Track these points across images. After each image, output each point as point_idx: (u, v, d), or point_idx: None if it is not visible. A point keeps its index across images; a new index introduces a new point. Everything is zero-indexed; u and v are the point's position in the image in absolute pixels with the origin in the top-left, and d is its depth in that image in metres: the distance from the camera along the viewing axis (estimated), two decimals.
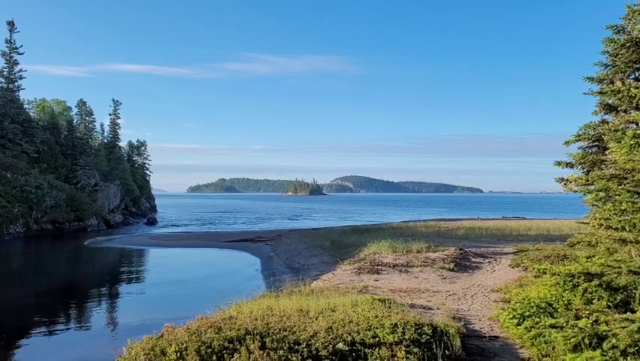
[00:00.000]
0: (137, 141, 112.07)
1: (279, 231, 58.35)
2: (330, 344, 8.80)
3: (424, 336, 9.71)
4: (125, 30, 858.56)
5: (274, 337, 8.80)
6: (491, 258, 27.12)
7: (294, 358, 8.03)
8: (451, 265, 23.13)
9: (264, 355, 7.87)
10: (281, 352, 8.18)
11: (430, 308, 14.74)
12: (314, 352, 8.48)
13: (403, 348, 8.96)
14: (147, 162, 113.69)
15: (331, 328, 9.74)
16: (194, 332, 8.86)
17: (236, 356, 7.87)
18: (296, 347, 8.57)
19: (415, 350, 9.01)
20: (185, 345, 8.10)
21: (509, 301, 14.39)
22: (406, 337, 9.49)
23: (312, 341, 8.91)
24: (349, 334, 9.43)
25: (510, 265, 23.82)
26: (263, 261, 34.90)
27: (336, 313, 11.22)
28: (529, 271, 18.58)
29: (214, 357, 7.89)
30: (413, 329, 9.87)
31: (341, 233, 45.74)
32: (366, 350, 8.83)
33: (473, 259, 26.53)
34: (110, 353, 9.73)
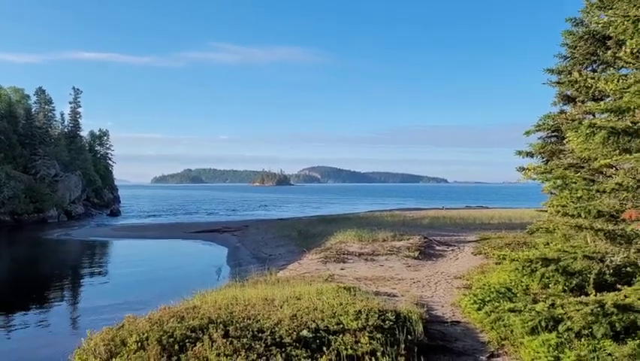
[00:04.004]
0: (99, 130, 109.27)
1: (246, 221, 58.02)
2: (295, 331, 8.83)
3: (387, 322, 9.85)
4: (82, 17, 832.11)
5: (238, 325, 8.77)
6: (455, 246, 27.65)
7: (258, 345, 8.02)
8: (416, 254, 23.50)
9: (227, 343, 7.83)
10: (244, 340, 8.16)
11: (394, 295, 14.95)
12: (278, 339, 8.49)
13: (367, 334, 9.05)
14: (110, 152, 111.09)
15: (296, 315, 9.77)
16: (156, 322, 8.75)
17: (198, 344, 7.81)
18: (260, 334, 8.57)
19: (378, 335, 9.12)
20: (146, 335, 7.99)
21: (471, 288, 14.73)
22: (370, 323, 9.60)
23: (277, 328, 8.92)
24: (314, 321, 9.48)
25: (472, 253, 24.34)
26: (230, 251, 34.68)
27: (301, 302, 11.26)
28: (491, 258, 19.04)
29: (176, 346, 7.81)
30: (377, 316, 10.00)
31: (308, 223, 45.83)
32: (330, 336, 8.89)
33: (437, 248, 27.02)
34: (69, 345, 9.50)
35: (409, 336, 9.50)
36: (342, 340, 8.74)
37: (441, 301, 14.35)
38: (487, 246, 24.31)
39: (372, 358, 8.26)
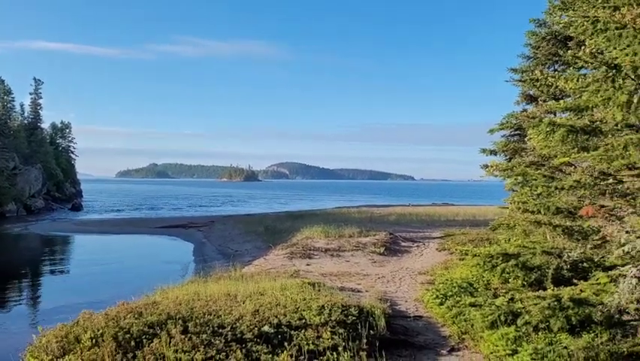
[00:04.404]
0: (61, 122, 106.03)
1: (213, 217, 57.32)
2: (256, 326, 8.73)
3: (350, 317, 9.85)
4: (45, 6, 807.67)
5: (198, 321, 8.61)
6: (420, 242, 27.95)
7: (217, 341, 7.89)
8: (382, 249, 23.65)
9: (186, 339, 7.68)
10: (204, 336, 8.02)
11: (359, 291, 15.00)
12: (239, 335, 8.38)
13: (329, 329, 9.03)
14: (72, 145, 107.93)
15: (258, 311, 9.67)
16: (113, 318, 8.50)
17: (156, 341, 7.62)
18: (220, 330, 8.43)
19: (341, 330, 9.11)
20: (101, 331, 7.75)
21: (434, 283, 14.89)
22: (333, 318, 9.58)
23: (238, 324, 8.81)
24: (276, 317, 9.40)
25: (437, 249, 24.65)
26: (195, 247, 34.20)
27: (264, 297, 11.16)
28: (454, 254, 19.32)
29: (132, 343, 7.60)
30: (340, 311, 9.99)
31: (275, 219, 45.61)
32: (292, 331, 8.83)
33: (403, 244, 27.26)
34: (23, 342, 9.16)
35: (371, 331, 9.52)
36: (304, 335, 8.69)
37: (405, 297, 14.45)
38: (452, 242, 24.67)
39: (334, 353, 8.24)
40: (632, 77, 8.61)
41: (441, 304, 11.97)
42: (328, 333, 8.84)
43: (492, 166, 15.41)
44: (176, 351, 7.44)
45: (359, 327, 9.47)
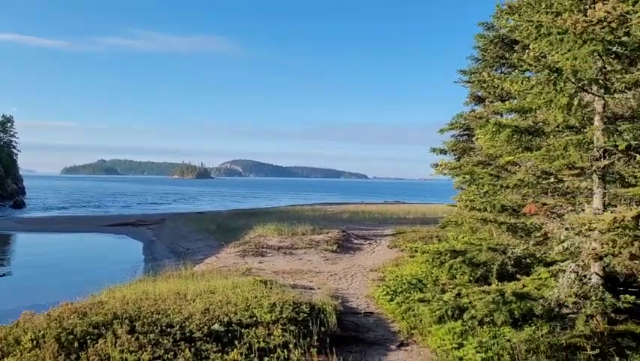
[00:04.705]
0: (2, 116, 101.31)
1: (164, 215, 56.19)
2: (206, 325, 8.61)
3: (301, 314, 9.87)
4: None
5: (145, 320, 8.41)
6: (372, 240, 28.31)
7: (166, 341, 7.73)
8: (334, 247, 23.80)
9: (133, 339, 7.48)
10: (151, 335, 7.84)
11: (311, 288, 15.05)
12: (188, 334, 8.24)
13: (280, 326, 9.02)
14: (14, 139, 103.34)
15: (208, 309, 9.54)
16: (56, 319, 8.19)
17: (101, 341, 7.39)
18: (168, 329, 8.27)
19: (292, 327, 9.11)
20: (43, 332, 7.45)
21: (385, 280, 15.12)
22: (284, 315, 9.57)
23: (187, 323, 8.66)
24: (226, 315, 9.30)
25: (389, 246, 25.03)
26: (144, 245, 33.41)
27: (215, 295, 11.02)
28: (405, 251, 19.68)
29: (76, 344, 7.34)
30: (291, 308, 9.99)
31: (228, 217, 45.16)
32: (243, 329, 8.76)
33: (355, 241, 27.54)
34: None
35: (322, 328, 9.57)
36: (254, 333, 8.64)
37: (356, 293, 14.60)
38: (402, 239, 25.09)
39: (285, 350, 8.24)
40: (573, 80, 9.01)
41: (391, 300, 12.17)
42: (279, 330, 8.83)
43: (441, 165, 15.79)
44: (122, 351, 7.24)
45: (310, 324, 9.49)
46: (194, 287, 11.99)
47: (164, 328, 8.31)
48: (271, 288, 12.48)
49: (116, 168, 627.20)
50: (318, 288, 14.97)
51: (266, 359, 7.90)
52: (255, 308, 9.78)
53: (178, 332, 8.18)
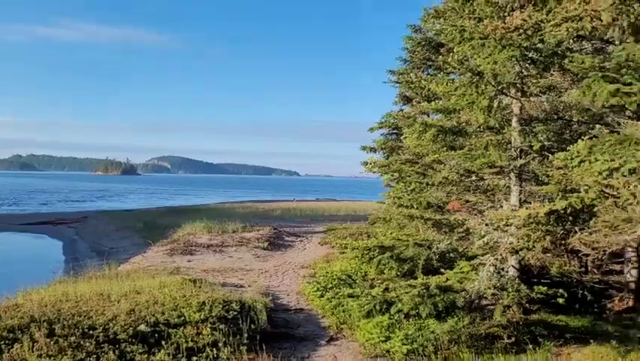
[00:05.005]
0: None
1: (86, 212, 53.52)
2: (131, 326, 8.36)
3: (231, 312, 9.80)
4: None
5: (66, 323, 8.03)
6: (303, 237, 28.45)
7: (88, 343, 7.43)
8: (266, 244, 23.73)
9: (52, 343, 7.13)
10: (72, 338, 7.51)
11: (241, 286, 14.93)
12: (112, 336, 7.96)
13: (209, 325, 8.91)
14: None
15: (134, 310, 9.26)
16: None
17: (17, 346, 6.99)
18: (91, 332, 7.95)
19: (222, 326, 9.03)
20: None
21: (316, 276, 15.27)
22: (213, 314, 9.46)
23: (111, 324, 8.36)
24: (153, 315, 9.07)
25: (320, 243, 25.26)
26: (65, 245, 31.73)
27: (141, 296, 10.69)
28: (336, 247, 19.97)
29: None
30: (221, 307, 9.89)
31: (155, 214, 43.79)
32: (171, 330, 8.58)
33: (287, 238, 27.56)
34: None
35: (252, 325, 9.54)
36: (182, 333, 8.49)
37: (287, 290, 14.65)
38: (333, 236, 25.40)
39: (214, 349, 8.15)
40: (493, 83, 9.50)
41: (321, 296, 12.32)
42: (208, 329, 8.72)
43: (371, 163, 16.15)
44: (40, 356, 6.89)
45: (240, 322, 9.45)
46: (119, 288, 11.56)
47: (86, 330, 7.98)
48: (200, 287, 12.27)
49: (34, 164, 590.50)
50: (249, 286, 14.87)
51: (194, 358, 7.78)
52: (183, 308, 9.60)
53: (101, 334, 7.89)
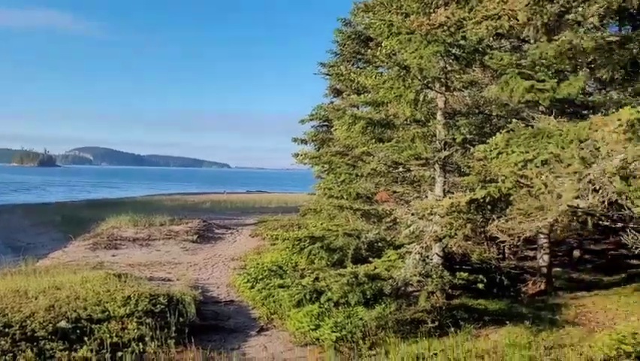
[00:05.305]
0: None
1: None
2: (51, 323, 7.99)
3: (158, 306, 9.59)
4: None
5: None
6: (234, 229, 28.17)
7: (3, 342, 7.02)
8: (195, 237, 23.32)
9: None
10: None
11: (169, 280, 14.61)
12: (29, 333, 7.56)
13: (135, 320, 8.67)
14: None
15: (53, 306, 8.84)
16: None
17: None
18: (6, 330, 7.52)
19: (148, 320, 8.82)
20: None
21: (246, 268, 15.19)
22: (139, 308, 9.22)
23: (28, 321, 7.95)
24: (75, 311, 8.71)
25: (250, 235, 25.11)
26: None
27: (61, 292, 10.21)
28: (267, 239, 19.96)
29: None
30: (147, 300, 9.66)
31: (76, 208, 41.81)
32: (94, 325, 8.28)
33: (217, 231, 27.20)
34: None
35: (181, 318, 9.38)
36: (106, 328, 8.22)
37: (217, 283, 14.49)
38: (264, 228, 25.33)
39: (140, 344, 7.94)
40: (419, 77, 9.83)
41: (252, 287, 12.29)
42: (134, 324, 8.49)
43: (302, 154, 16.24)
44: None
45: (168, 316, 9.26)
46: (37, 284, 10.97)
47: (0, 328, 7.52)
48: (125, 281, 11.88)
49: None
50: (177, 279, 14.57)
51: (119, 354, 7.54)
52: (107, 303, 9.27)
53: (18, 331, 7.47)
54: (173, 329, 8.80)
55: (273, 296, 11.07)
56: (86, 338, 7.73)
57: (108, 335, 7.93)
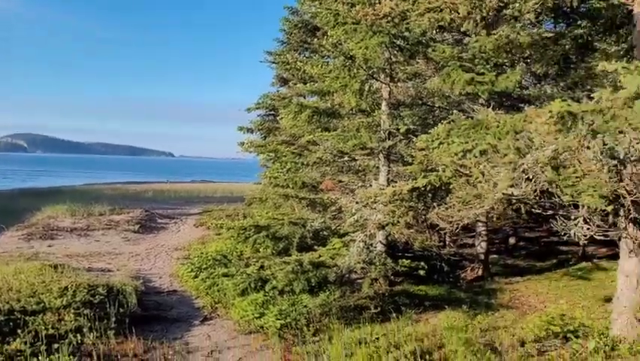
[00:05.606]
0: None
1: None
2: None
3: (97, 297, 9.35)
4: None
5: None
6: (178, 219, 27.67)
7: None
8: (136, 227, 22.76)
9: None
10: None
11: (109, 270, 14.24)
12: None
13: (72, 311, 8.40)
14: None
15: None
16: None
17: None
18: None
19: (87, 311, 8.57)
20: None
21: (190, 257, 14.98)
22: (77, 299, 8.96)
23: None
24: (7, 303, 8.34)
25: (195, 225, 24.74)
26: None
27: None
28: (211, 228, 19.74)
29: None
30: (86, 291, 9.40)
31: (8, 197, 39.70)
32: (28, 317, 7.94)
33: (160, 221, 26.62)
34: None
35: (121, 309, 9.17)
36: (42, 320, 7.91)
37: (159, 273, 14.24)
38: (209, 218, 25.01)
39: (78, 335, 7.70)
40: (364, 67, 9.94)
41: (196, 277, 12.15)
42: (71, 315, 8.23)
43: (247, 143, 16.11)
44: None
45: (108, 306, 9.03)
46: None
47: None
48: (62, 272, 11.48)
49: None
50: (118, 270, 14.21)
51: (56, 346, 7.27)
52: (42, 294, 8.94)
53: None
54: (113, 319, 8.59)
55: (218, 285, 10.98)
56: (19, 331, 7.42)
57: (43, 327, 7.64)
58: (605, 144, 6.35)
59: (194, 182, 75.05)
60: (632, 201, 6.89)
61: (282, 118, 13.18)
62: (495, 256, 15.04)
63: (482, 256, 12.93)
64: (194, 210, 31.53)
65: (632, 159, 6.73)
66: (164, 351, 7.97)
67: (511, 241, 17.01)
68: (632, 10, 6.87)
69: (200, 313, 10.25)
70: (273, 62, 17.44)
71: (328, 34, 9.99)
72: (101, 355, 7.38)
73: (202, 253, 14.16)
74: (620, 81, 4.56)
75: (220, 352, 8.24)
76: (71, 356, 7.13)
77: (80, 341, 7.60)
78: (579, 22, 9.91)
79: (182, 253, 16.91)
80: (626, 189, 6.86)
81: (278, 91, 19.25)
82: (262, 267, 10.92)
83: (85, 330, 7.89)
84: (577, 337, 7.20)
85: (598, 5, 9.11)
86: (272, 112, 20.09)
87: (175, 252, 17.58)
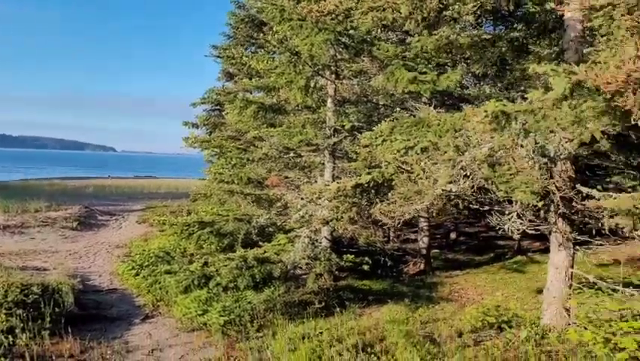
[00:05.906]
0: None
1: None
2: None
3: (31, 296, 8.97)
4: None
5: None
6: (119, 215, 26.84)
7: None
8: (75, 224, 21.90)
9: None
10: None
11: (45, 269, 13.68)
12: None
13: (4, 311, 8.02)
14: None
15: None
16: None
17: None
18: None
19: (19, 311, 8.20)
20: None
21: (131, 255, 14.60)
22: (9, 299, 8.57)
23: None
24: None
25: (137, 222, 24.08)
26: None
27: None
28: (155, 226, 19.28)
29: None
30: (18, 291, 9.00)
31: None
32: None
33: (100, 217, 25.74)
34: None
35: (57, 309, 8.83)
36: None
37: (99, 271, 13.80)
38: (152, 214, 24.40)
39: (10, 336, 7.36)
40: (310, 64, 9.98)
41: (137, 275, 11.87)
42: (3, 316, 7.86)
43: (192, 138, 15.84)
44: None
45: (43, 306, 8.68)
46: None
47: None
48: None
49: None
50: (54, 268, 13.66)
51: None
52: None
53: None
54: (48, 319, 8.28)
55: (160, 283, 10.76)
56: None
57: None
58: (536, 143, 6.68)
59: (137, 177, 72.95)
60: (561, 197, 7.28)
61: (227, 113, 13.05)
62: (437, 250, 15.48)
63: (424, 251, 13.28)
64: (137, 206, 30.66)
65: (561, 157, 7.12)
66: (102, 351, 7.75)
67: (452, 236, 17.55)
68: (562, 16, 7.23)
69: (142, 312, 10.03)
70: (218, 57, 17.19)
71: (274, 29, 9.95)
72: (35, 356, 7.10)
73: (144, 251, 13.83)
74: (550, 83, 4.79)
75: (161, 350, 8.10)
76: (3, 358, 6.83)
77: (12, 343, 7.29)
78: (515, 26, 10.33)
79: (124, 251, 16.44)
80: (555, 186, 7.24)
81: (224, 86, 19.00)
82: (206, 263, 10.78)
83: (17, 331, 7.56)
84: (510, 327, 7.54)
85: (533, 10, 9.52)
86: (217, 107, 19.83)
87: (116, 249, 17.08)
